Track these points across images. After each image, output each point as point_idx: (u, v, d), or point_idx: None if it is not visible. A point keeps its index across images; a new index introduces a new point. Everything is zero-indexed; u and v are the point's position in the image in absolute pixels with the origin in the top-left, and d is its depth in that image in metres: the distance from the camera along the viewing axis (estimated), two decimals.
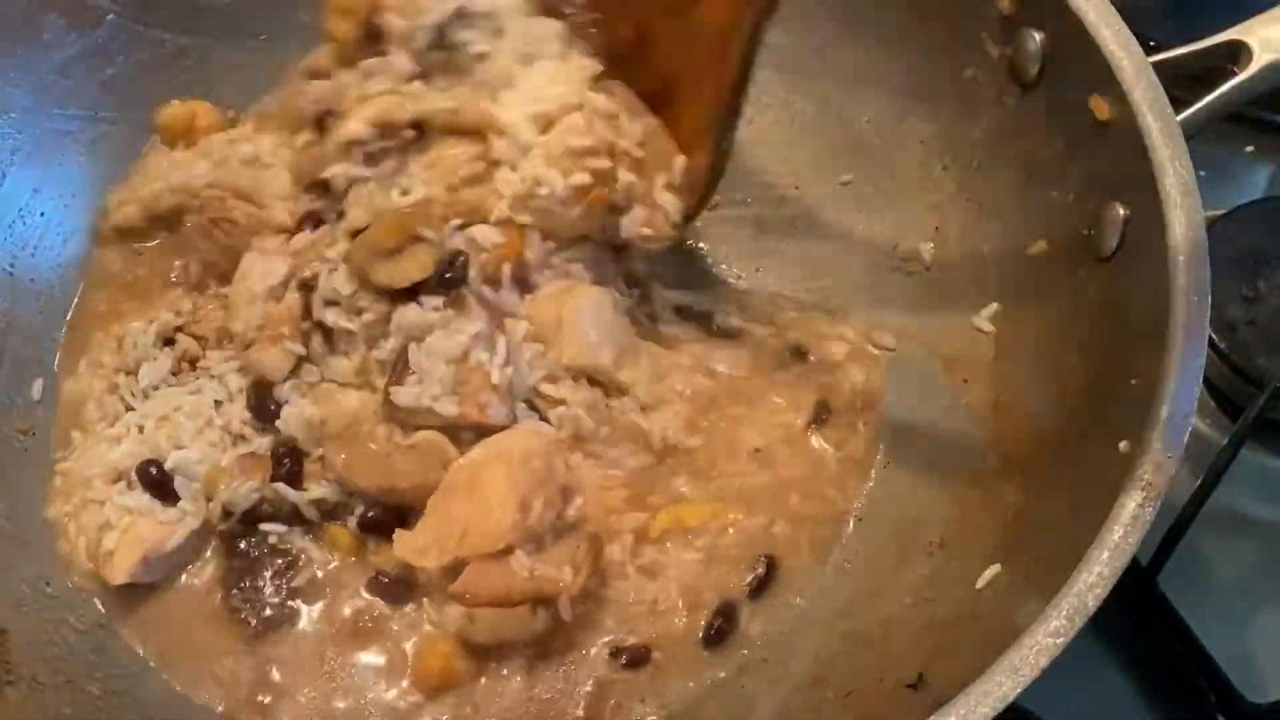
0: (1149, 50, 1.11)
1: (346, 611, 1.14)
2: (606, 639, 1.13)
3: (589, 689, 1.11)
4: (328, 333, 1.16)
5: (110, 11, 1.36)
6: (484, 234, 1.15)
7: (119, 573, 1.11)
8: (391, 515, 1.13)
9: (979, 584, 1.05)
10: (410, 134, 1.17)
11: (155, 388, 1.21)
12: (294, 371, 1.17)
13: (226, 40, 1.43)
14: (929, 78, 1.31)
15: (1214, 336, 1.28)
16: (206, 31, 1.42)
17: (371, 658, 1.12)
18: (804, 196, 1.41)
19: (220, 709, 1.10)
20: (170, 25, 1.40)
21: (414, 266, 1.12)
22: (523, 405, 1.16)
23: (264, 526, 1.15)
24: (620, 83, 1.20)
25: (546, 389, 1.15)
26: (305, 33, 1.33)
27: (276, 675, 1.12)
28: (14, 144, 1.32)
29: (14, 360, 1.27)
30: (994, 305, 1.25)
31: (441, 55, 1.19)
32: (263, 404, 1.16)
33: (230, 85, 1.42)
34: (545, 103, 1.16)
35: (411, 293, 1.13)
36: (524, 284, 1.17)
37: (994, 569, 1.05)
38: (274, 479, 1.14)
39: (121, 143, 1.38)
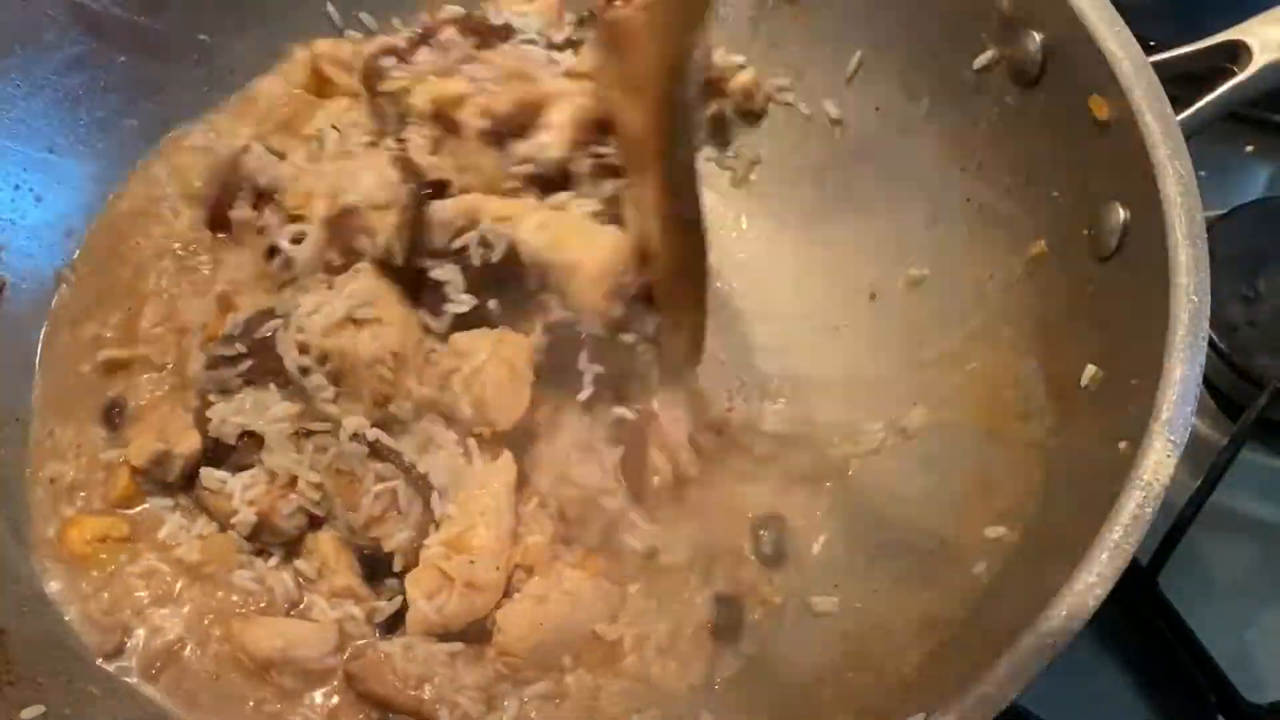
0: (1149, 50, 1.11)
1: None
2: None
3: None
4: None
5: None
6: None
7: None
8: None
9: (976, 570, 1.05)
10: None
11: None
12: None
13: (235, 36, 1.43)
14: (928, 77, 1.31)
15: (1214, 336, 1.28)
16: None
17: None
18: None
19: None
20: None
21: None
22: None
23: None
24: None
25: None
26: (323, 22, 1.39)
27: None
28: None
29: None
30: (994, 306, 1.25)
31: None
32: None
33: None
34: None
35: None
36: None
37: (993, 567, 1.05)
38: None
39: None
